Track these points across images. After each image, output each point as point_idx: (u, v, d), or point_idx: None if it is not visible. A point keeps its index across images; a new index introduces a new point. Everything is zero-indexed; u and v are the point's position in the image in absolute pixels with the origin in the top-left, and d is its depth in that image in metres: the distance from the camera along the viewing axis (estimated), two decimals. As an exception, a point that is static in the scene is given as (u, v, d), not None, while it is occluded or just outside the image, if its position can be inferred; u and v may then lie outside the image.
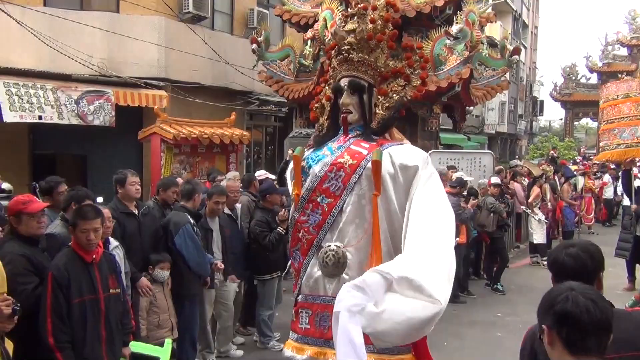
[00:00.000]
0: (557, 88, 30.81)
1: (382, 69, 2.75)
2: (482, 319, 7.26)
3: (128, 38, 11.08)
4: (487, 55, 11.06)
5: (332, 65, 2.87)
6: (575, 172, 14.30)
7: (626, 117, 8.72)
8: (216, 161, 10.48)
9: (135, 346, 4.13)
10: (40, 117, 9.57)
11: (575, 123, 34.39)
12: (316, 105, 2.97)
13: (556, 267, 2.35)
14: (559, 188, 12.57)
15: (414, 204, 2.42)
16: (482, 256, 9.51)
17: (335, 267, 2.46)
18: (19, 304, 3.02)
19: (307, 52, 10.92)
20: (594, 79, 29.92)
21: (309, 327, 2.54)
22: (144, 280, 4.74)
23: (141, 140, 10.04)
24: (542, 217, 10.78)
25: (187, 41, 11.90)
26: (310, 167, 2.65)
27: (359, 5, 2.80)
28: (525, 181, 11.99)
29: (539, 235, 10.71)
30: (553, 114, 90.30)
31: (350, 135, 2.68)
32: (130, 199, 4.93)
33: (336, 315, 2.06)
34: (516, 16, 35.42)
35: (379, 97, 2.72)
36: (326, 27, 9.60)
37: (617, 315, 2.00)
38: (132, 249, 4.76)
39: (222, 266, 5.41)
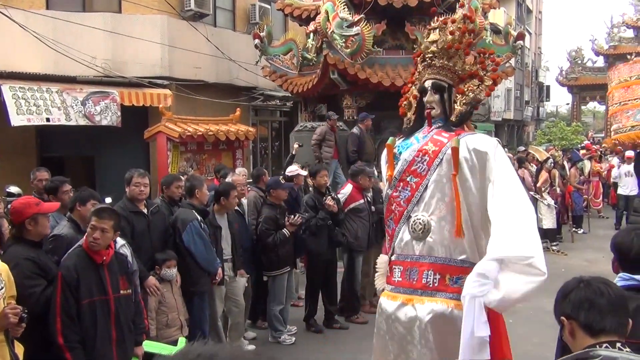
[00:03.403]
0: (563, 73, 30.58)
1: (460, 72, 3.29)
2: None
3: (131, 38, 11.11)
4: (490, 42, 11.00)
5: (417, 70, 3.43)
6: (582, 157, 14.22)
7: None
8: (222, 158, 10.49)
9: (148, 345, 4.13)
10: (48, 120, 9.63)
11: (583, 107, 34.12)
12: (405, 102, 3.55)
13: (623, 249, 2.34)
14: (567, 173, 12.51)
15: (496, 185, 2.93)
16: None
17: (422, 232, 3.08)
18: (26, 311, 3.06)
19: (310, 46, 10.91)
20: (600, 62, 29.66)
21: (400, 279, 3.15)
22: (151, 280, 4.74)
23: (147, 139, 10.08)
24: (552, 202, 10.73)
25: (189, 39, 11.92)
26: (400, 153, 3.24)
27: (440, 20, 3.38)
28: (534, 167, 11.93)
29: (548, 221, 10.67)
30: (560, 99, 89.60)
31: (433, 127, 3.25)
32: (135, 199, 4.94)
33: (464, 298, 2.73)
34: (520, 1, 35.13)
35: (457, 95, 3.28)
36: (328, 19, 9.59)
37: None
38: (142, 247, 4.78)
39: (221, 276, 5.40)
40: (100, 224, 3.55)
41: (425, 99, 3.26)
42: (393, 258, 3.21)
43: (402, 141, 3.32)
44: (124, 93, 10.70)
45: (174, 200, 5.47)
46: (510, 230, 2.76)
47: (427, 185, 3.10)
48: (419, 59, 3.42)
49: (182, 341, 4.67)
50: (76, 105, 10.03)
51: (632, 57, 15.58)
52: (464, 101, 3.27)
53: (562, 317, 1.86)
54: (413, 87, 3.52)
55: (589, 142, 20.27)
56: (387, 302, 3.17)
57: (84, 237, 3.66)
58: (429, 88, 3.24)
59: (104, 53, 11.11)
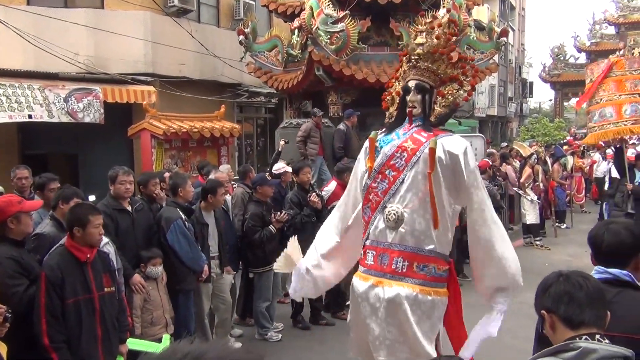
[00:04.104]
0: (546, 69, 30.88)
1: (442, 75, 3.49)
2: (478, 301, 7.18)
3: (114, 34, 11.00)
4: (474, 38, 11.08)
5: (402, 69, 3.61)
6: (564, 152, 14.37)
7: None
8: (207, 155, 10.42)
9: (132, 343, 4.11)
10: (30, 116, 9.51)
11: (565, 103, 34.45)
12: (388, 97, 3.75)
13: (595, 242, 2.37)
14: (550, 168, 12.64)
15: (476, 212, 3.42)
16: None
17: (395, 222, 3.30)
18: (10, 311, 3.02)
19: (295, 42, 10.86)
20: (582, 58, 30.02)
21: (372, 263, 3.40)
22: (136, 277, 4.70)
23: (131, 136, 9.99)
24: (535, 198, 10.84)
25: (173, 35, 11.83)
26: (381, 147, 3.44)
27: (428, 23, 3.53)
28: (517, 163, 12.03)
29: (531, 216, 10.77)
30: (543, 96, 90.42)
31: (413, 125, 3.44)
32: (120, 197, 4.90)
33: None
34: (503, -2, 35.30)
35: (438, 97, 3.51)
36: (313, 15, 9.57)
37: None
38: (126, 245, 4.75)
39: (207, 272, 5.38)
40: (100, 220, 3.63)
41: (408, 98, 3.46)
42: (367, 243, 3.45)
43: (383, 135, 3.54)
44: (107, 90, 10.59)
45: (152, 197, 5.43)
46: (503, 263, 3.58)
47: (403, 180, 3.32)
48: (404, 58, 3.58)
49: (166, 338, 4.65)
50: (59, 102, 9.91)
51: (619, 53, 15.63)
52: (443, 103, 3.51)
53: (543, 311, 1.89)
54: (397, 83, 3.69)
55: (571, 137, 20.47)
56: (359, 282, 3.46)
57: (66, 235, 3.63)
58: (413, 88, 3.43)
59: (86, 49, 10.99)
